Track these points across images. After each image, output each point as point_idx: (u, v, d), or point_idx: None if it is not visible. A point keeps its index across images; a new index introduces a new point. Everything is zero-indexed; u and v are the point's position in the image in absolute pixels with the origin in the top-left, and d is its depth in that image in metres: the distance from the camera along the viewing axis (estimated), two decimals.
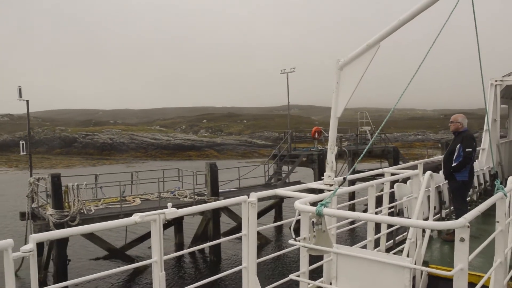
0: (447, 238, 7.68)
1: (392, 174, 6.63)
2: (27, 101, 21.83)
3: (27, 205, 18.73)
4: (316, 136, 30.66)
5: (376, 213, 5.96)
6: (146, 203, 19.88)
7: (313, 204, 3.84)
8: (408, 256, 5.43)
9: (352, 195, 24.63)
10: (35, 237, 2.90)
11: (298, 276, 4.19)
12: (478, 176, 11.49)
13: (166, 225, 20.92)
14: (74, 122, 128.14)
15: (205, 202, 18.66)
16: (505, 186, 4.55)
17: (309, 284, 4.23)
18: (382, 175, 7.18)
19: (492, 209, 4.35)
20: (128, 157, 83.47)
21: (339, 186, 4.18)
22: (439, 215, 9.02)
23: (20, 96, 21.35)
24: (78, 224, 16.20)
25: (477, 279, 4.53)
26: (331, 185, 4.56)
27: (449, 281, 3.58)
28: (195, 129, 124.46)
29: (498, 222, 4.38)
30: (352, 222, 6.21)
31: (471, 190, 10.06)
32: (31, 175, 19.74)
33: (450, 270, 3.29)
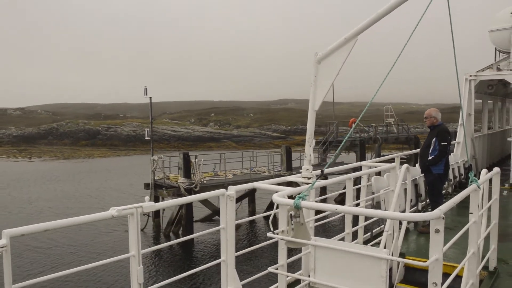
0: (423, 230, 7.81)
1: (370, 167, 6.69)
2: (150, 98, 27.78)
3: (151, 177, 24.90)
4: (353, 125, 35.69)
5: (354, 206, 6.02)
6: (236, 177, 26.01)
7: (292, 197, 3.85)
8: (385, 248, 5.51)
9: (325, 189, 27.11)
10: (8, 233, 2.83)
11: (277, 268, 4.20)
12: (453, 169, 11.70)
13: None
14: (82, 115, 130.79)
15: (281, 176, 21.37)
16: (478, 179, 4.64)
17: (287, 276, 4.25)
18: (360, 168, 7.25)
19: (466, 201, 4.43)
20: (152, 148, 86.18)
21: (316, 179, 4.20)
22: (416, 207, 9.16)
23: (146, 94, 27.27)
24: (197, 192, 21.75)
25: (451, 269, 4.62)
26: (309, 178, 4.58)
27: (424, 272, 3.64)
28: (204, 122, 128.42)
29: (471, 213, 4.47)
30: (331, 215, 6.25)
31: (446, 182, 10.24)
32: (152, 155, 26.09)
33: (425, 261, 3.35)
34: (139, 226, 3.65)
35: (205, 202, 24.10)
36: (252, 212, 27.32)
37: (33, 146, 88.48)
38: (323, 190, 26.50)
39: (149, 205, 3.66)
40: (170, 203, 3.98)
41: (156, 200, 23.48)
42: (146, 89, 27.07)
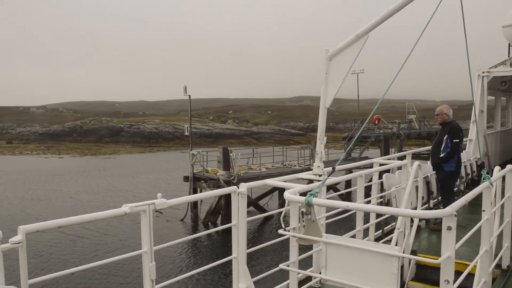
0: (434, 227, 7.77)
1: (381, 165, 6.67)
2: (189, 96, 29.55)
3: (190, 171, 26.75)
4: (377, 122, 39.13)
5: (365, 203, 6.01)
6: (268, 170, 28.11)
7: (303, 194, 3.86)
8: (396, 245, 5.49)
9: (348, 185, 27.43)
10: (23, 229, 2.88)
11: (288, 265, 4.22)
12: (465, 166, 11.62)
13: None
14: (102, 113, 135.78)
15: (310, 169, 22.32)
16: (491, 176, 4.60)
17: (299, 273, 4.26)
18: (371, 165, 7.23)
19: (478, 199, 4.40)
20: (175, 144, 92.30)
21: (328, 176, 4.20)
22: (427, 205, 9.11)
23: (185, 92, 29.22)
24: (235, 183, 21.79)
25: (463, 267, 4.59)
26: (320, 175, 4.58)
27: (436, 269, 3.63)
28: (222, 119, 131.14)
29: (484, 211, 4.44)
30: (342, 212, 6.26)
31: (458, 180, 10.17)
32: (191, 150, 27.75)
33: (437, 259, 3.34)
34: (152, 222, 3.68)
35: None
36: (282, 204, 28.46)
37: (59, 143, 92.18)
38: (346, 185, 27.40)
39: (161, 202, 3.69)
40: (181, 200, 4.00)
41: (194, 192, 26.40)
42: (185, 88, 29.27)
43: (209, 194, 4.09)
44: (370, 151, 38.78)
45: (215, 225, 24.02)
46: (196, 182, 26.47)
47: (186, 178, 27.33)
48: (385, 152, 34.06)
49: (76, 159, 67.49)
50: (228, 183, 23.36)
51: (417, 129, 43.13)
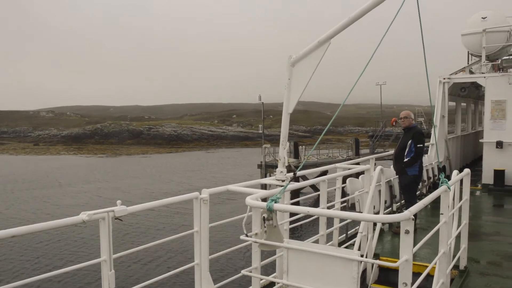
0: (396, 230, 7.91)
1: (344, 169, 6.75)
2: (262, 103, 41.14)
3: (263, 160, 35.76)
4: (394, 124, 44.94)
5: (329, 207, 6.05)
6: (320, 159, 38.53)
7: (266, 199, 3.85)
8: (359, 249, 5.56)
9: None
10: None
11: (251, 271, 4.20)
12: (427, 170, 11.91)
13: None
14: (109, 117, 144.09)
15: (350, 159, 28.71)
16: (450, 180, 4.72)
17: (261, 279, 4.25)
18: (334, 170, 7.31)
19: (439, 202, 4.51)
20: (194, 146, 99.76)
21: (289, 182, 4.21)
22: (390, 208, 9.28)
23: (260, 99, 40.69)
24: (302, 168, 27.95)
25: (423, 268, 4.69)
26: (283, 181, 4.58)
27: (397, 272, 3.69)
28: (227, 123, 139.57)
29: (442, 214, 4.55)
30: (306, 217, 6.29)
31: (420, 184, 10.41)
32: (263, 144, 38.12)
33: (396, 261, 3.39)
34: (111, 230, 3.59)
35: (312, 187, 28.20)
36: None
37: (84, 145, 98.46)
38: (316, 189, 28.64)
39: (121, 209, 3.61)
40: (142, 207, 3.92)
41: (265, 176, 30.89)
42: (260, 96, 38.85)
43: (169, 201, 4.03)
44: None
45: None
46: (268, 168, 33.85)
47: (259, 166, 35.76)
48: None
49: (116, 158, 74.78)
50: (297, 168, 28.18)
51: (426, 130, 48.08)
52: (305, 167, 28.02)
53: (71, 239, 22.53)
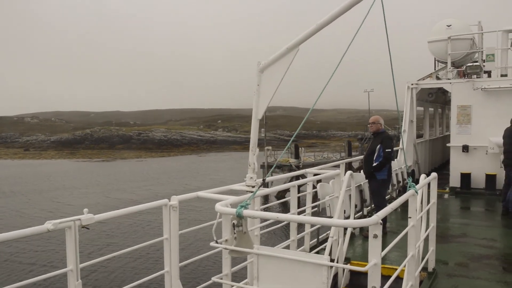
0: (366, 234, 7.98)
1: (315, 175, 6.80)
2: (264, 113, 40.10)
3: (265, 160, 39.57)
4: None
5: (299, 212, 6.08)
6: (315, 160, 43.50)
7: (235, 206, 3.84)
8: (330, 253, 5.60)
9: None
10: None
11: (221, 278, 4.17)
12: (396, 174, 12.11)
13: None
14: (94, 123, 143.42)
15: (342, 159, 31.30)
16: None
17: (232, 286, 4.23)
18: (304, 175, 7.35)
19: (407, 206, 4.59)
20: (185, 150, 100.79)
21: (258, 188, 4.21)
22: (361, 213, 9.40)
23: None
24: (302, 168, 30.38)
25: (392, 271, 4.75)
26: (253, 187, 4.58)
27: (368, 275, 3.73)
28: (212, 128, 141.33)
29: (410, 217, 4.62)
30: (277, 223, 6.30)
31: (390, 187, 10.58)
32: (265, 146, 42.75)
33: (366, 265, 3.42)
34: (77, 239, 3.51)
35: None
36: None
37: (76, 150, 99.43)
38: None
39: (88, 218, 3.53)
40: (110, 215, 3.85)
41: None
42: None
43: (138, 209, 3.97)
44: None
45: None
46: (269, 168, 35.82)
47: (261, 166, 35.98)
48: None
49: (112, 163, 75.62)
50: (298, 167, 35.15)
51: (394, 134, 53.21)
52: (305, 166, 32.68)
53: (40, 248, 21.96)
